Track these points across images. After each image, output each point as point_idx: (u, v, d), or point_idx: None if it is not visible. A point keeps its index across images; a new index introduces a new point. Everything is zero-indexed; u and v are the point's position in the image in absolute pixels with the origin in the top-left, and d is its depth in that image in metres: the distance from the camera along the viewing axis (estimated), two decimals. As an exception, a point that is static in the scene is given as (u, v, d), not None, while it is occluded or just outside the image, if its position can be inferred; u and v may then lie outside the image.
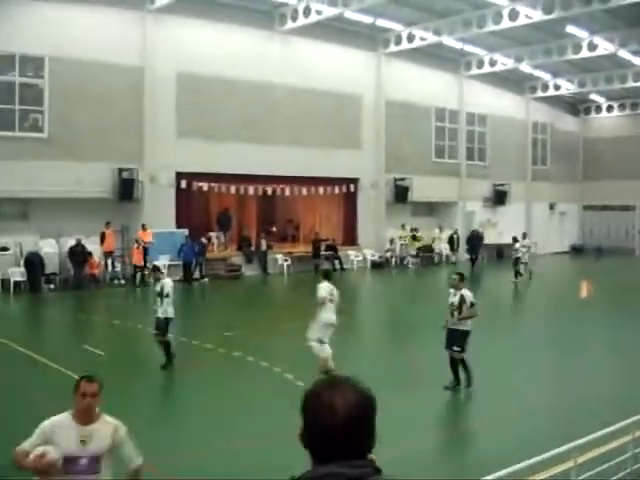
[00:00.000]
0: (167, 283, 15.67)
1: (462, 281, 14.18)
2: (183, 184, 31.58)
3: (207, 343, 18.04)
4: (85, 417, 5.91)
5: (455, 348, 13.68)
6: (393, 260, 38.92)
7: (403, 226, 39.47)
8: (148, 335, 19.50)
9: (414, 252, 39.50)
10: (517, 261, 32.87)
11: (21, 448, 5.72)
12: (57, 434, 5.81)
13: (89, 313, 24.25)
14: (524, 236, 35.25)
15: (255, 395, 13.64)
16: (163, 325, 15.38)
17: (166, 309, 15.40)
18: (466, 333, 13.80)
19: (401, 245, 39.55)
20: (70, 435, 5.82)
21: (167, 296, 15.43)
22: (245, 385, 14.43)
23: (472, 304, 13.86)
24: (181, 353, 18.04)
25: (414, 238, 39.49)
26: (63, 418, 5.96)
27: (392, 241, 39.07)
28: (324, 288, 15.08)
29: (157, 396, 14.45)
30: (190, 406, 13.00)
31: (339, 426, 2.58)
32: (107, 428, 5.97)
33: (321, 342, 14.63)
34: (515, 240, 33.82)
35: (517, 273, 32.53)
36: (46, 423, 5.90)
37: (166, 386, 15.15)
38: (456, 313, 13.80)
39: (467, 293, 13.94)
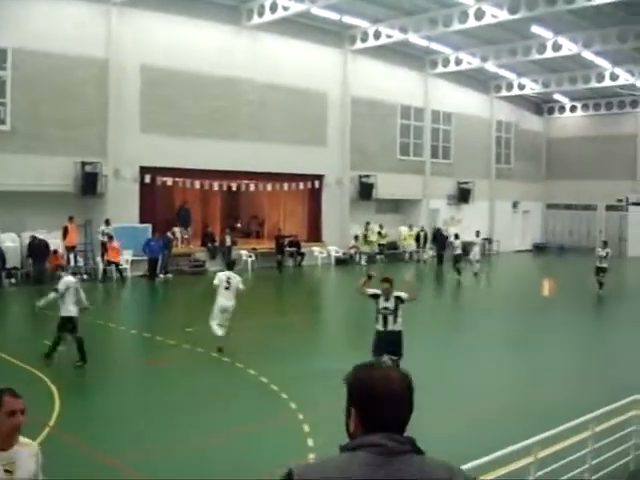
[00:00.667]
0: (70, 281, 15.18)
1: (392, 285, 13.40)
2: (147, 179, 31.33)
3: (171, 339, 17.96)
4: (9, 440, 4.89)
5: (394, 358, 12.72)
6: (357, 257, 38.96)
7: (367, 224, 39.60)
8: (108, 330, 19.46)
9: (370, 250, 39.43)
10: (458, 258, 33.90)
11: None
12: None
13: (49, 308, 23.91)
14: (477, 234, 35.96)
15: (221, 391, 13.62)
16: (66, 323, 14.90)
17: (68, 308, 14.93)
18: (401, 334, 13.20)
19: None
20: None
21: (71, 294, 14.95)
22: (210, 381, 14.39)
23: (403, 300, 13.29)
24: (146, 349, 18.04)
25: (366, 238, 39.56)
26: None
27: (357, 238, 39.15)
28: (218, 276, 16.91)
29: (122, 393, 14.28)
30: (157, 403, 12.91)
31: (395, 395, 2.87)
32: (29, 450, 5.03)
33: (218, 325, 16.50)
34: (456, 237, 34.68)
35: (458, 270, 33.56)
36: None
37: (132, 382, 15.02)
38: (391, 317, 13.15)
39: (400, 293, 13.31)
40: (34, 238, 27.48)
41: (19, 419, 4.86)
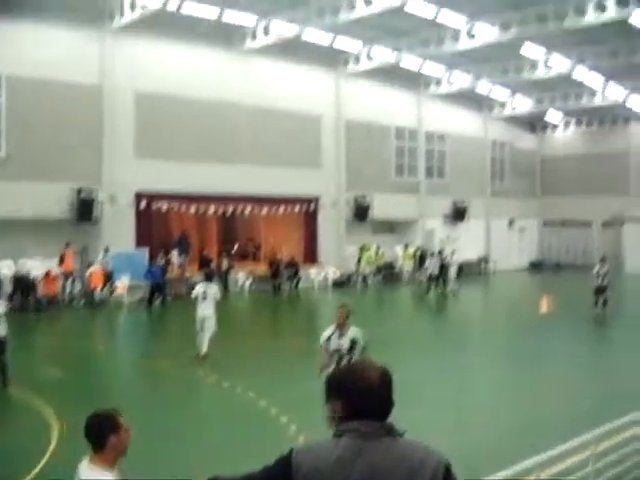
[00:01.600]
0: (3, 304, 15.46)
1: (348, 317, 11.50)
2: (143, 204, 31.36)
3: (170, 364, 17.88)
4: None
5: None
6: (355, 278, 38.89)
7: (363, 246, 39.52)
8: (107, 356, 19.42)
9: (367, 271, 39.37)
10: (433, 277, 34.37)
11: None
12: None
13: (49, 335, 23.85)
14: (452, 253, 36.37)
15: (220, 415, 13.55)
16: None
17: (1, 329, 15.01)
18: None
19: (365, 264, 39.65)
20: None
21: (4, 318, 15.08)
22: (209, 405, 14.34)
23: (364, 348, 11.33)
24: (145, 375, 17.92)
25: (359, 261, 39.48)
26: (95, 469, 4.87)
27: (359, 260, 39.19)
28: (196, 289, 18.77)
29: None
30: (157, 428, 12.79)
31: (370, 389, 3.35)
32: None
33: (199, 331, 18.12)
34: (432, 255, 35.19)
35: (429, 288, 34.10)
36: None
37: (132, 408, 14.84)
38: (347, 358, 11.07)
39: (358, 334, 11.37)
40: (17, 271, 27.77)
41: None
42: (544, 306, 30.48)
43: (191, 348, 18.13)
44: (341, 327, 11.40)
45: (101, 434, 4.86)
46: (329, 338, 11.48)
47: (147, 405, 14.81)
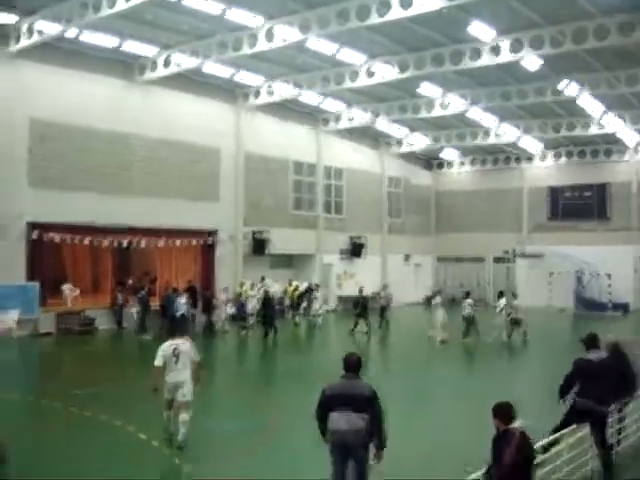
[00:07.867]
0: None
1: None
2: (35, 235, 30.31)
3: (57, 402, 17.23)
4: None
5: None
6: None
7: (262, 279, 38.87)
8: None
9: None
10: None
11: None
12: None
13: None
14: (317, 287, 38.26)
15: (109, 457, 13.06)
16: None
17: None
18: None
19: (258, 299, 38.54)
20: None
21: None
22: (98, 446, 13.78)
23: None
24: (29, 413, 17.18)
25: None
26: None
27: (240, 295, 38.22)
28: None
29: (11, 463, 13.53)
30: (42, 471, 12.25)
31: (352, 361, 9.35)
32: None
33: None
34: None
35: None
36: None
37: (17, 449, 14.21)
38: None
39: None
40: None
41: None
42: (437, 338, 31.02)
43: (80, 386, 17.44)
44: None
45: None
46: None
47: (30, 445, 14.23)
